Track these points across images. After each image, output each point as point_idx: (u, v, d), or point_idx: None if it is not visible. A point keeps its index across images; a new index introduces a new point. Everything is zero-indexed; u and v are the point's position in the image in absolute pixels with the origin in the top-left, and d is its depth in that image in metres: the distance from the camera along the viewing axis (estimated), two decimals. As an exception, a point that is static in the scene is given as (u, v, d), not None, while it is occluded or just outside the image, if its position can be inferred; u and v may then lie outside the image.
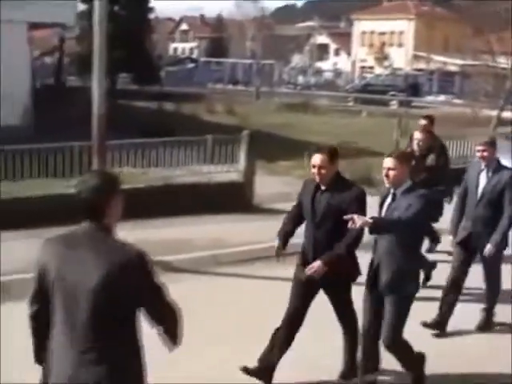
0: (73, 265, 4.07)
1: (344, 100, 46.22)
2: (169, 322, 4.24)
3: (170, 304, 4.18)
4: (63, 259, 4.13)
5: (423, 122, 10.60)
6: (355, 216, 5.84)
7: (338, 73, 72.19)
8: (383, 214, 6.44)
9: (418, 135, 9.87)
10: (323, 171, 6.50)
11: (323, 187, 6.60)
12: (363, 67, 76.59)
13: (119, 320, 4.11)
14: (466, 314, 8.23)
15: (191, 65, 50.67)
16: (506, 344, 7.54)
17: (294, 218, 6.98)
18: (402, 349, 6.52)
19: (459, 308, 8.07)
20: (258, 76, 48.20)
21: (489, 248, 7.96)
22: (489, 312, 8.30)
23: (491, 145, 8.19)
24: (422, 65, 64.54)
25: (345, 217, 5.94)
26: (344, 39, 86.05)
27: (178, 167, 13.50)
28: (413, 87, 52.26)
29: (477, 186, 8.23)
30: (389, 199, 6.42)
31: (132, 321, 4.16)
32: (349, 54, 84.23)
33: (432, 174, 9.54)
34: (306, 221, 6.86)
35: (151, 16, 41.50)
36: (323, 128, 25.04)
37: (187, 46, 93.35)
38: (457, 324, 8.02)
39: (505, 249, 8.20)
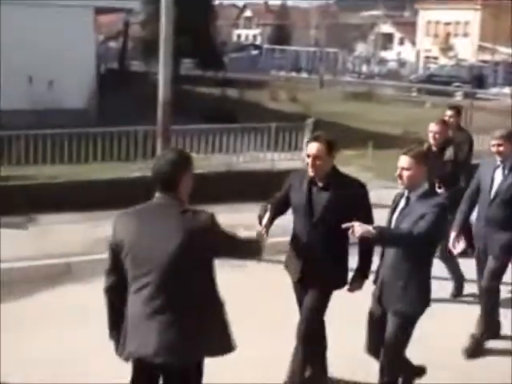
0: (148, 235, 4.40)
1: (408, 90, 45.61)
2: (248, 254, 5.11)
3: (243, 243, 4.80)
4: (137, 231, 4.44)
5: (449, 112, 9.90)
6: (356, 224, 5.24)
7: (401, 62, 71.28)
8: (394, 219, 5.73)
9: (433, 127, 8.87)
10: (319, 162, 5.81)
11: (320, 183, 5.94)
12: (427, 57, 75.53)
13: (196, 284, 4.39)
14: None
15: (255, 52, 50.56)
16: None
17: (279, 207, 6.07)
18: (400, 370, 5.92)
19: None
20: (322, 64, 47.94)
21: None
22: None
23: (508, 138, 7.32)
24: (487, 56, 63.44)
25: (343, 225, 5.33)
26: (408, 29, 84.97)
27: (241, 154, 13.48)
28: (478, 79, 51.24)
29: (491, 185, 7.38)
30: (402, 203, 5.72)
31: (208, 286, 4.51)
32: (413, 43, 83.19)
33: (452, 169, 8.68)
34: (297, 219, 6.12)
35: (215, 2, 41.60)
36: (386, 118, 24.76)
37: (251, 32, 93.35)
38: None
39: None
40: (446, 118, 9.61)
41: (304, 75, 49.34)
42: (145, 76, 34.49)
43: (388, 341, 5.66)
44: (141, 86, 28.75)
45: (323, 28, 59.13)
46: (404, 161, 5.60)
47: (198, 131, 12.93)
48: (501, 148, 7.25)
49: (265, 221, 5.63)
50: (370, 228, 5.23)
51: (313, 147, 5.83)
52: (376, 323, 5.81)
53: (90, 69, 20.68)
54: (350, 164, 16.30)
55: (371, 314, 5.89)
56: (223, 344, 4.60)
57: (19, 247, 9.61)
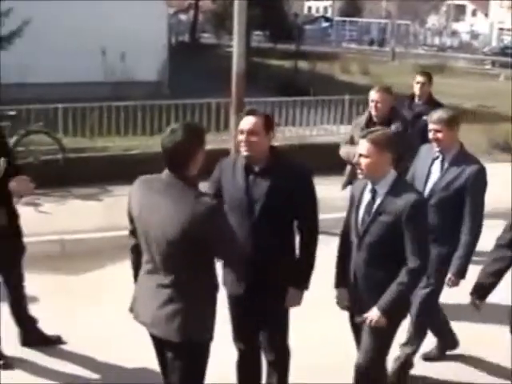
0: (149, 208, 4.32)
1: (481, 63, 44.82)
2: (236, 266, 4.75)
3: (237, 250, 4.48)
4: (140, 203, 4.42)
5: (419, 78, 8.55)
6: (371, 316, 4.76)
7: (474, 34, 70.02)
8: (360, 218, 4.91)
9: (373, 95, 7.55)
10: (254, 139, 4.78)
11: (257, 167, 4.92)
12: (501, 29, 73.98)
13: (194, 264, 4.31)
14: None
15: (325, 24, 50.15)
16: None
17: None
18: (376, 379, 5.22)
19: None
20: (393, 36, 47.30)
21: (449, 278, 5.86)
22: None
23: (449, 124, 5.82)
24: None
25: (358, 319, 4.87)
26: (481, 0, 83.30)
27: (314, 126, 13.38)
28: (553, 51, 50.13)
29: (426, 180, 5.95)
30: (367, 197, 4.91)
31: (206, 265, 4.40)
32: (486, 15, 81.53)
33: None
34: (233, 218, 4.83)
35: (287, -26, 41.28)
36: (459, 91, 24.31)
37: (321, 4, 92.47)
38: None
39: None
40: (417, 87, 8.52)
41: (375, 48, 48.81)
42: (215, 48, 34.55)
43: (364, 349, 5.09)
44: (212, 58, 28.81)
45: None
46: (362, 146, 4.80)
47: (271, 104, 12.82)
48: (439, 135, 5.80)
49: None
50: (377, 313, 4.77)
51: (247, 121, 4.83)
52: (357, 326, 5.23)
53: (161, 41, 20.75)
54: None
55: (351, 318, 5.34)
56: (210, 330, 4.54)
57: (93, 218, 9.71)
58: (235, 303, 5.24)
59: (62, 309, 7.23)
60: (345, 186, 8.10)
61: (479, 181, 5.82)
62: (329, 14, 68.76)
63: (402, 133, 7.37)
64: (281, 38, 35.62)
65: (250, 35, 33.48)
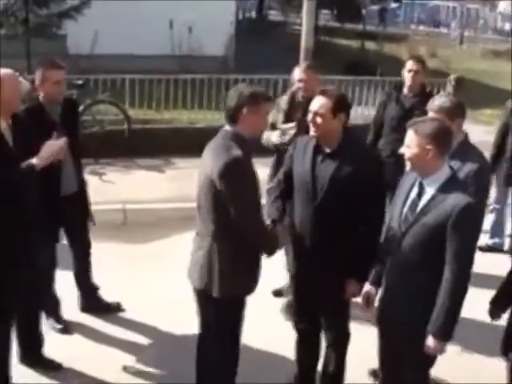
0: (201, 163, 4.65)
1: (553, 49, 43.88)
2: (250, 236, 4.60)
3: (249, 219, 4.52)
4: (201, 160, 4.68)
5: (412, 65, 7.40)
6: (431, 343, 4.30)
7: (547, 20, 68.56)
8: (403, 215, 4.46)
9: (300, 73, 6.57)
10: (320, 121, 4.75)
11: (327, 149, 4.84)
12: None
13: (224, 219, 4.51)
14: None
15: (394, 4, 49.43)
16: None
17: (282, 194, 5.16)
18: None
19: None
20: (463, 20, 46.53)
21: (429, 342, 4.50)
22: None
23: (451, 113, 5.12)
24: None
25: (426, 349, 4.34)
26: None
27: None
28: None
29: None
30: (414, 191, 4.45)
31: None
32: (561, 0, 79.70)
33: None
34: (298, 199, 4.99)
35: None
36: (529, 77, 23.88)
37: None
38: None
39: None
40: (409, 76, 7.44)
41: (444, 30, 48.06)
42: (282, 26, 34.38)
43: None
44: (278, 35, 28.69)
45: (466, -18, 57.30)
46: (407, 136, 4.39)
47: (339, 82, 12.71)
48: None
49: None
50: (432, 341, 4.29)
51: (315, 101, 4.82)
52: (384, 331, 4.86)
53: (229, 16, 20.67)
54: (492, 124, 15.83)
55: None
56: (251, 284, 4.77)
57: (156, 189, 9.78)
58: (297, 284, 5.27)
59: (124, 276, 7.31)
60: (270, 180, 6.45)
61: (484, 171, 5.30)
62: (398, -4, 67.95)
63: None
64: (348, 18, 35.27)
65: (318, 14, 33.27)
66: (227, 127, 4.60)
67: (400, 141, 6.03)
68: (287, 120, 6.51)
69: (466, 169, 5.13)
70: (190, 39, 18.19)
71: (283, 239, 5.12)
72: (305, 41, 10.38)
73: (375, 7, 43.63)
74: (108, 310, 6.65)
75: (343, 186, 4.74)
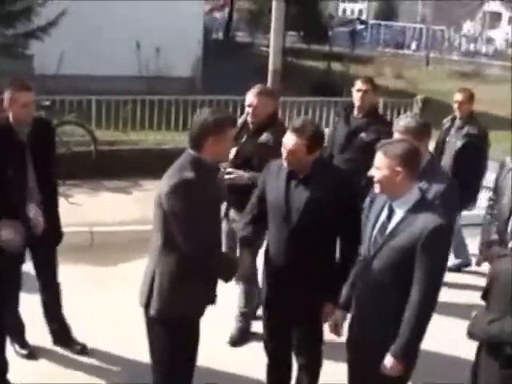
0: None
1: (516, 70, 44.42)
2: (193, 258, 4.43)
3: (191, 240, 4.37)
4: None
5: (360, 85, 7.32)
6: (386, 364, 4.25)
7: (510, 42, 69.46)
8: (372, 237, 4.42)
9: (251, 98, 6.28)
10: (294, 158, 4.72)
11: (300, 174, 4.80)
12: (538, 38, 73.39)
13: (170, 239, 4.43)
14: None
15: (360, 26, 49.94)
16: None
17: (255, 219, 5.12)
18: None
19: None
20: (429, 41, 47.01)
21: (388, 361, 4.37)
22: None
23: (418, 134, 5.16)
24: None
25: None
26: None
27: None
28: None
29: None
30: (384, 214, 4.42)
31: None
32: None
33: (260, 158, 5.94)
34: (272, 224, 4.96)
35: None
36: (494, 97, 24.08)
37: (356, 6, 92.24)
38: None
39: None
40: (357, 96, 7.29)
41: (410, 52, 48.52)
42: (249, 47, 34.51)
43: None
44: (246, 56, 28.78)
45: (431, 4, 57.85)
46: (377, 157, 4.32)
47: (306, 103, 12.76)
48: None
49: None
50: (390, 360, 4.23)
51: (288, 140, 4.71)
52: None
53: (196, 38, 20.70)
54: (457, 144, 15.97)
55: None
56: (195, 305, 4.63)
57: (124, 211, 9.70)
58: (269, 308, 5.22)
59: (90, 298, 7.23)
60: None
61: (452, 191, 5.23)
62: (364, 17, 68.60)
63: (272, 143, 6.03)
64: (315, 39, 35.49)
65: (285, 35, 33.45)
66: (190, 150, 4.50)
67: (349, 161, 6.04)
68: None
69: (434, 189, 5.10)
70: (157, 60, 18.18)
71: (252, 264, 5.08)
72: (273, 62, 10.40)
73: (342, 29, 44.00)
74: (73, 350, 6.45)
75: (318, 209, 4.70)
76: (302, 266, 4.81)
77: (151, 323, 4.62)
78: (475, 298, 5.00)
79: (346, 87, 19.17)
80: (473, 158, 8.08)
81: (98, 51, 17.14)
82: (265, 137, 6.17)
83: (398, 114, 13.51)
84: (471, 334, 4.20)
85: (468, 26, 77.23)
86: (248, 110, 6.31)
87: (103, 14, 17.70)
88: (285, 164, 4.80)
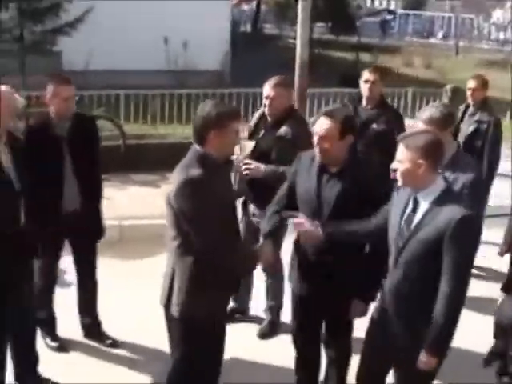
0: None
1: (547, 58, 43.91)
2: (204, 259, 4.34)
3: (204, 237, 4.27)
4: None
5: (368, 76, 7.26)
6: (302, 221, 4.49)
7: (541, 30, 68.72)
8: (399, 230, 4.38)
9: (267, 90, 6.17)
10: (326, 145, 4.64)
11: (333, 168, 4.76)
12: None
13: (187, 240, 4.34)
14: None
15: (389, 16, 49.55)
16: None
17: (283, 209, 5.08)
18: None
19: None
20: (458, 30, 46.64)
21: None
22: None
23: (443, 124, 5.05)
24: None
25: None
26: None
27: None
28: None
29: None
30: (409, 206, 4.36)
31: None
32: (554, 10, 79.90)
33: (280, 151, 6.03)
34: (304, 215, 4.88)
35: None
36: (525, 87, 23.90)
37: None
38: None
39: None
40: (365, 87, 7.25)
41: (439, 41, 48.16)
42: (277, 39, 34.44)
43: None
44: (273, 49, 28.73)
45: (460, -7, 57.47)
46: (398, 150, 4.27)
47: (334, 95, 12.72)
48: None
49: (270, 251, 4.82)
50: (424, 357, 4.20)
51: (320, 124, 4.67)
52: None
53: (224, 31, 20.74)
54: (487, 133, 15.84)
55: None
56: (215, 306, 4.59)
57: (152, 205, 9.72)
58: (299, 302, 5.20)
59: (119, 293, 7.27)
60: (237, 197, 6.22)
61: (478, 182, 5.16)
62: (392, 7, 68.16)
63: (291, 137, 6.04)
64: (343, 30, 35.31)
65: (312, 26, 33.30)
66: (196, 146, 4.44)
67: (360, 153, 6.02)
68: (250, 136, 6.36)
69: (462, 180, 5.02)
70: (185, 54, 18.20)
71: (275, 256, 5.07)
72: (300, 54, 10.36)
73: (370, 19, 43.75)
74: (104, 344, 6.52)
75: (350, 204, 4.67)
76: (332, 261, 4.78)
77: (172, 322, 4.64)
78: (494, 290, 5.00)
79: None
80: (483, 143, 8.03)
81: (126, 46, 17.22)
82: (283, 130, 6.10)
83: (427, 104, 13.42)
84: (499, 322, 4.17)
85: (497, 14, 76.39)
86: (265, 102, 6.20)
87: (130, 8, 17.78)
88: (317, 153, 4.73)
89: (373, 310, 4.73)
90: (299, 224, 4.76)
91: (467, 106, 8.47)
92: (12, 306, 5.23)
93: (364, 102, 7.34)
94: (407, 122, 12.77)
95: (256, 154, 6.17)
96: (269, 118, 6.28)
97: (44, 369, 5.79)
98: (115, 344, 6.47)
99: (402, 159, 4.21)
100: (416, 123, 5.15)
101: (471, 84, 8.41)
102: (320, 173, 4.80)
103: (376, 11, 55.32)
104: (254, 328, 6.86)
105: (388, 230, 4.48)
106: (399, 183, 4.34)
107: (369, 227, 4.66)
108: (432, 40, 47.51)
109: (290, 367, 5.59)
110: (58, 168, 5.85)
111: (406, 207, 4.36)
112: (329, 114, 4.69)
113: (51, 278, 6.24)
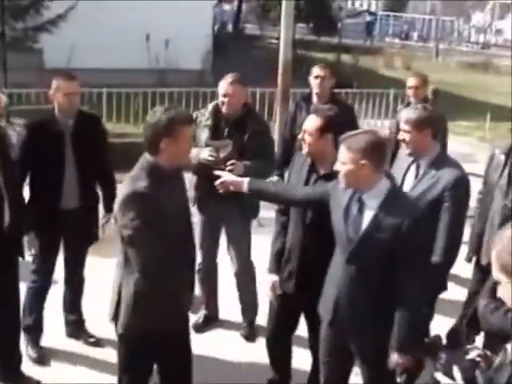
0: None
1: (526, 61, 44.21)
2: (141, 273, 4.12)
3: (141, 254, 4.06)
4: None
5: (318, 71, 7.29)
6: (393, 361, 4.19)
7: (520, 33, 69.18)
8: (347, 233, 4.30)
9: (224, 87, 6.11)
10: (309, 140, 4.73)
11: (322, 170, 4.79)
12: (548, 28, 72.99)
13: (127, 253, 4.15)
14: None
15: (369, 18, 49.71)
16: None
17: (284, 226, 5.16)
18: None
19: None
20: (438, 32, 46.87)
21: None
22: None
23: (417, 125, 4.98)
24: None
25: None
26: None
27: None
28: None
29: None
30: (354, 207, 4.29)
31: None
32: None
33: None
34: (292, 216, 4.99)
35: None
36: (504, 89, 24.01)
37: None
38: None
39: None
40: (316, 82, 7.24)
41: (419, 43, 48.38)
42: (258, 39, 34.49)
43: None
44: (255, 49, 28.76)
45: (440, -5, 57.80)
46: (340, 152, 4.21)
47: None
48: (406, 136, 5.04)
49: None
50: (395, 356, 4.18)
51: (307, 121, 4.82)
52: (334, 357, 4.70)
53: (205, 30, 20.71)
54: (468, 135, 15.94)
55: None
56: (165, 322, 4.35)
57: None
58: (280, 301, 5.22)
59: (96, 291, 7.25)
60: (193, 202, 6.33)
61: (458, 190, 4.95)
62: (373, 9, 68.42)
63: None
64: (324, 31, 35.37)
65: (294, 27, 33.27)
66: (147, 155, 4.21)
67: None
68: (214, 137, 6.15)
69: (443, 180, 4.96)
70: (166, 53, 18.18)
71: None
72: (283, 53, 10.37)
73: (350, 20, 43.88)
74: (87, 342, 6.51)
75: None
76: (315, 263, 4.74)
77: (119, 340, 4.47)
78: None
79: (356, 79, 19.21)
80: None
81: (108, 44, 17.14)
82: (252, 127, 6.14)
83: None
84: (487, 323, 4.12)
85: (477, 17, 76.86)
86: (223, 99, 6.09)
87: (112, 7, 17.70)
88: (304, 150, 4.79)
89: (325, 311, 4.61)
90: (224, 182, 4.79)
91: (407, 105, 7.83)
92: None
93: (315, 99, 7.24)
94: (388, 123, 12.96)
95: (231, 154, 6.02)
96: (226, 117, 6.17)
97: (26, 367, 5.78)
98: (98, 343, 6.45)
99: (345, 161, 4.15)
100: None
101: (412, 82, 8.14)
102: (309, 173, 4.84)
103: (357, 12, 55.54)
104: (228, 332, 6.86)
105: (332, 223, 4.41)
106: (342, 185, 4.26)
107: (297, 195, 4.70)
108: (413, 42, 47.71)
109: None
110: (58, 164, 5.81)
111: (348, 209, 4.26)
112: (314, 112, 4.79)
113: (47, 280, 6.16)
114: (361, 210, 4.19)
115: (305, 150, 4.78)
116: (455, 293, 6.59)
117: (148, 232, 3.99)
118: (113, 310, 4.38)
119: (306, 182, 4.82)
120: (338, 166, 4.21)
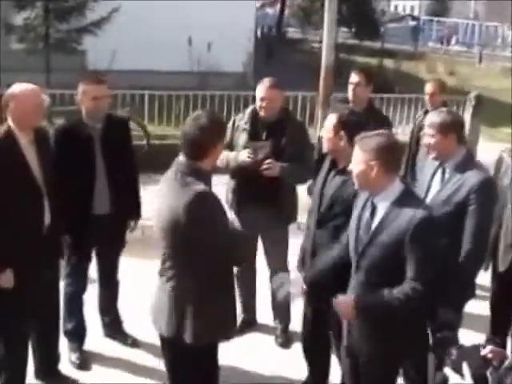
0: (160, 202, 4.25)
1: None
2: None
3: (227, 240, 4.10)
4: (158, 192, 4.37)
5: (353, 78, 7.11)
6: (341, 301, 4.25)
7: None
8: (358, 236, 4.35)
9: (262, 91, 6.12)
10: (328, 138, 4.87)
11: (340, 165, 4.89)
12: None
13: (194, 260, 4.13)
14: None
15: (412, 22, 49.36)
16: None
17: None
18: None
19: None
20: (481, 38, 46.46)
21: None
22: None
23: (442, 129, 4.92)
24: None
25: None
26: None
27: (399, 125, 13.17)
28: None
29: (425, 196, 5.01)
30: (367, 211, 4.33)
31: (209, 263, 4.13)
32: None
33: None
34: (310, 210, 5.16)
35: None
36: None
37: (408, 3, 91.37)
38: None
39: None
40: (350, 88, 7.12)
41: (462, 49, 48.00)
42: (301, 43, 34.44)
43: None
44: (297, 52, 28.73)
45: (484, 0, 57.20)
46: (355, 152, 4.25)
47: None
48: (430, 140, 4.99)
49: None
50: (350, 302, 4.18)
51: (328, 120, 4.91)
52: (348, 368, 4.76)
53: (248, 33, 20.73)
54: (509, 142, 15.74)
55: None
56: (232, 326, 4.43)
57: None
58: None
59: (139, 291, 7.26)
60: (230, 207, 6.20)
61: (483, 193, 4.88)
62: (415, 13, 68.06)
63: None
64: (367, 35, 35.24)
65: (337, 31, 33.18)
66: (183, 159, 4.22)
67: None
68: (252, 140, 6.16)
69: (469, 184, 4.90)
70: (208, 55, 18.23)
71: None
72: (325, 57, 10.36)
73: (393, 25, 43.65)
74: (124, 343, 6.55)
75: (340, 203, 4.80)
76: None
77: (186, 352, 4.33)
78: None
79: (398, 84, 19.08)
80: None
81: (150, 46, 17.25)
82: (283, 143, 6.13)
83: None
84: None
85: (522, 23, 76.01)
86: (261, 103, 6.11)
87: (155, 8, 17.80)
88: (324, 147, 4.98)
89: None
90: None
91: (426, 112, 7.91)
92: (38, 306, 5.25)
93: (351, 105, 7.04)
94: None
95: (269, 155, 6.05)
96: (262, 122, 6.19)
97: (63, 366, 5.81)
98: (135, 343, 6.47)
99: (357, 161, 4.19)
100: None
101: (429, 89, 7.97)
102: (329, 169, 5.00)
103: (400, 17, 55.23)
104: (265, 337, 6.85)
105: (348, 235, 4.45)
106: (355, 186, 4.32)
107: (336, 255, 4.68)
108: (455, 47, 47.29)
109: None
110: (89, 169, 5.80)
111: (363, 211, 4.31)
112: (335, 109, 5.02)
113: (82, 283, 6.19)
114: (372, 214, 4.22)
115: (324, 146, 4.94)
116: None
117: (221, 224, 4.11)
118: (174, 325, 4.31)
119: (326, 178, 4.95)
120: (351, 166, 4.26)
